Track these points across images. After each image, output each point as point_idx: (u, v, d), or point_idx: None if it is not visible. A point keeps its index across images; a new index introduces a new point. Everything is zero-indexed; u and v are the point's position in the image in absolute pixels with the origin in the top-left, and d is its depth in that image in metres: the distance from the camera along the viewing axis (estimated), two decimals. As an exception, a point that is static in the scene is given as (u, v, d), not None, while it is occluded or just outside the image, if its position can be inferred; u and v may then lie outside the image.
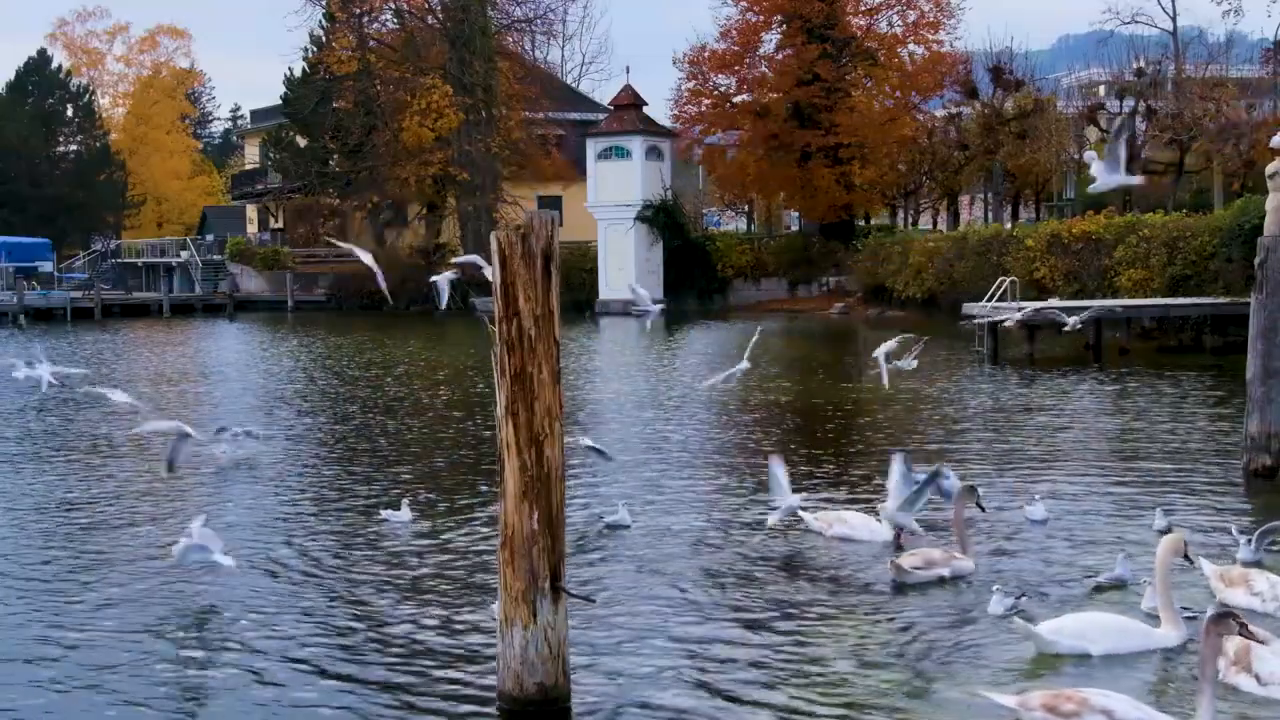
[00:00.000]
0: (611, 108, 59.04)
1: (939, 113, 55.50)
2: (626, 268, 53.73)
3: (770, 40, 55.36)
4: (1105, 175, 10.55)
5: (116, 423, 18.45)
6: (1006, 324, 23.42)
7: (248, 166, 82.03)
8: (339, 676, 7.56)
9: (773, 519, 10.92)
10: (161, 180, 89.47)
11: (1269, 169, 13.99)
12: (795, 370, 26.43)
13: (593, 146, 56.38)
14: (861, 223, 58.03)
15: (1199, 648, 6.35)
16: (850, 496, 12.55)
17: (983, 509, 10.22)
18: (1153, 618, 7.96)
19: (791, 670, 7.52)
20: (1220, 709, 6.20)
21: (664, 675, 7.45)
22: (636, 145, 55.04)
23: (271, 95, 75.35)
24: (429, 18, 62.77)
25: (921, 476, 10.15)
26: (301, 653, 7.97)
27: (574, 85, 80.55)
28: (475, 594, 9.16)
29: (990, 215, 53.34)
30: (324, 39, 63.45)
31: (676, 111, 57.40)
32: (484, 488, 13.07)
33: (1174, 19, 53.04)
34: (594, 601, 8.47)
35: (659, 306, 13.29)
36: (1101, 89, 54.04)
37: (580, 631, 7.85)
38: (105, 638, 8.31)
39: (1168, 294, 31.50)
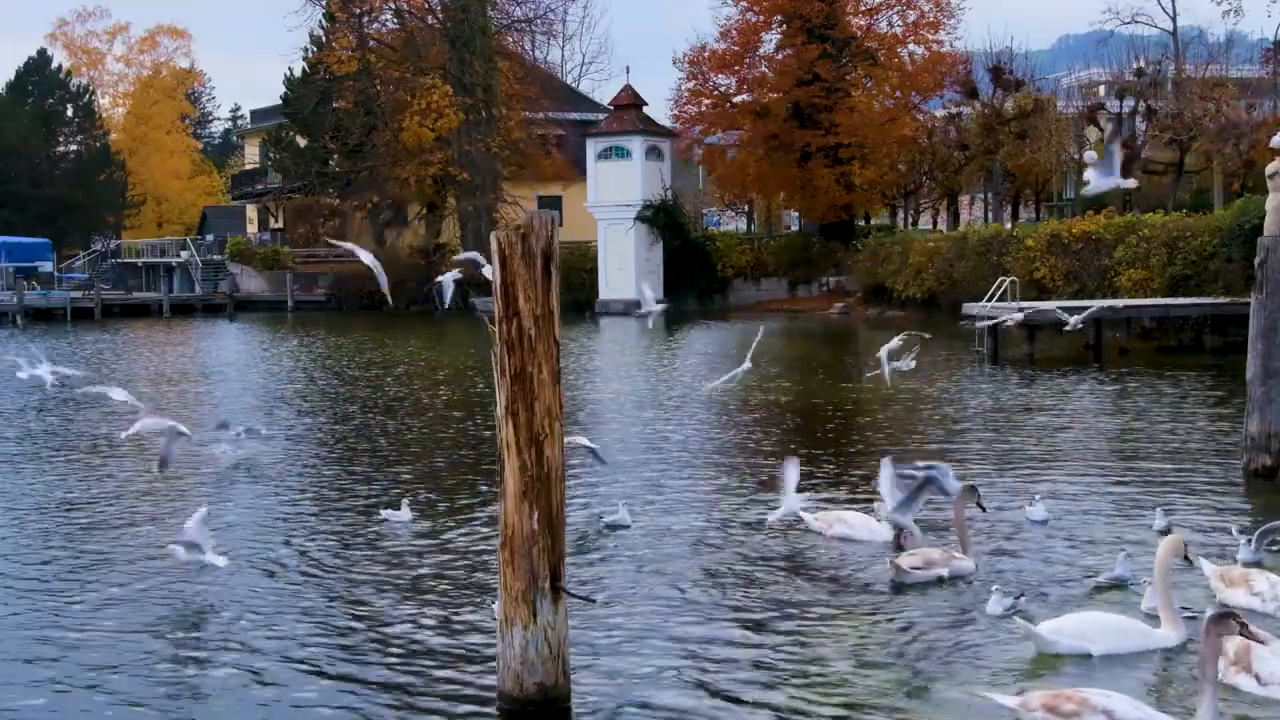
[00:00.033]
0: (611, 108, 59.03)
1: (939, 113, 55.48)
2: (626, 268, 53.75)
3: (770, 40, 55.42)
4: (1099, 179, 10.59)
5: (116, 423, 18.42)
6: (1009, 324, 23.44)
7: (248, 166, 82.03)
8: (339, 676, 7.56)
9: (772, 518, 10.93)
10: (161, 180, 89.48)
11: (1269, 169, 14.01)
12: (795, 370, 26.43)
13: (593, 146, 56.38)
14: (861, 223, 58.02)
15: (1199, 648, 6.35)
16: (850, 496, 12.55)
17: (983, 509, 10.22)
18: (1152, 618, 7.96)
19: (791, 670, 7.52)
20: (1220, 709, 6.19)
21: (664, 675, 7.45)
22: (636, 145, 55.03)
23: (271, 95, 75.50)
24: (429, 18, 62.77)
25: (918, 472, 10.12)
26: (301, 653, 7.97)
27: (574, 85, 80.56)
28: (475, 594, 9.16)
29: (990, 215, 53.34)
30: (324, 39, 63.45)
31: (676, 111, 57.44)
32: (484, 488, 13.07)
33: (1174, 19, 53.14)
34: (594, 601, 8.47)
35: (661, 306, 13.34)
36: (1101, 89, 54.02)
37: (580, 631, 7.85)
38: (105, 638, 8.31)
39: (1168, 294, 31.51)
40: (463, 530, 11.30)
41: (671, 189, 56.03)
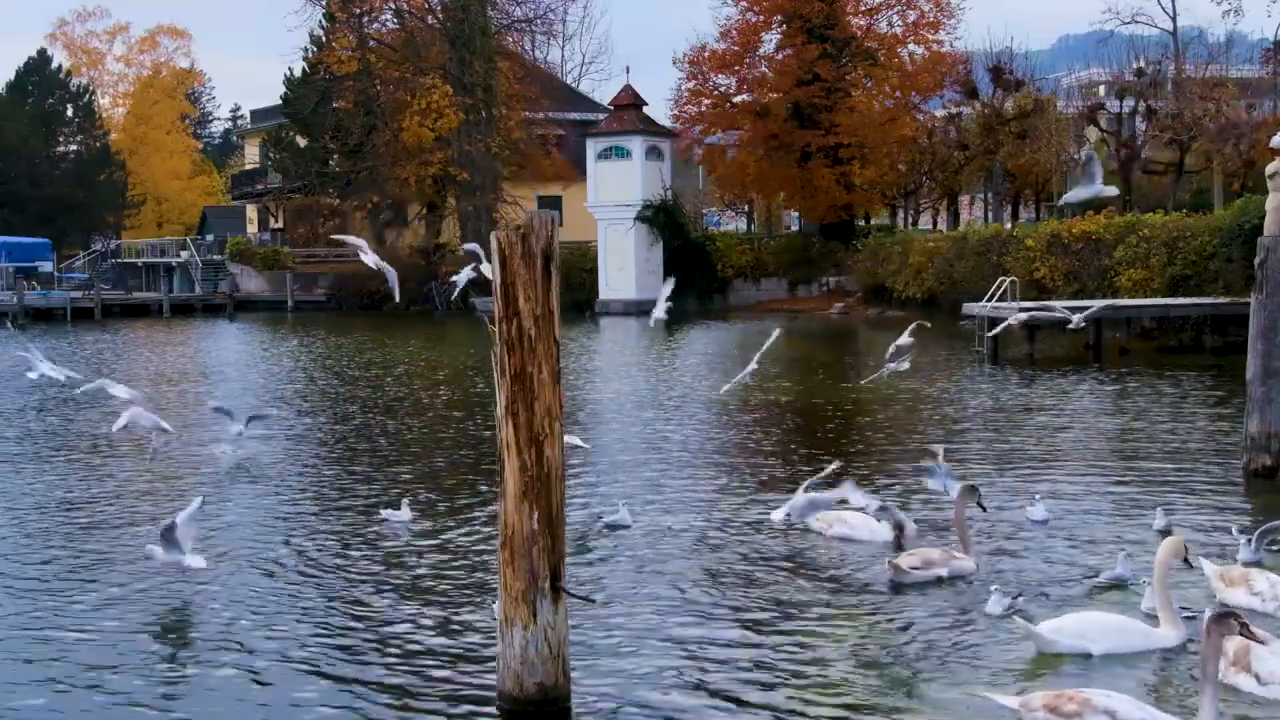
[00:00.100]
0: (611, 108, 59.01)
1: (939, 113, 55.48)
2: (626, 268, 53.75)
3: (770, 40, 55.40)
4: (1078, 191, 10.72)
5: (115, 421, 18.43)
6: (1010, 322, 23.41)
7: (248, 166, 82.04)
8: (338, 677, 7.56)
9: (776, 515, 10.99)
10: (161, 180, 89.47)
11: (1269, 169, 13.99)
12: (795, 370, 26.41)
13: (593, 146, 56.36)
14: (861, 223, 58.02)
15: (1199, 647, 6.35)
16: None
17: (984, 509, 10.22)
18: (1152, 618, 7.96)
19: (791, 670, 7.52)
20: (1220, 709, 6.19)
21: (664, 675, 7.45)
22: (636, 145, 55.01)
23: (271, 95, 75.50)
24: (429, 18, 62.76)
25: (878, 503, 10.38)
26: (301, 653, 7.97)
27: (574, 85, 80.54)
28: (475, 594, 9.16)
29: (990, 215, 53.34)
30: (324, 39, 63.44)
31: (676, 111, 57.42)
32: (484, 488, 13.07)
33: (1174, 19, 53.12)
34: (594, 601, 8.47)
35: (667, 305, 13.42)
36: (1101, 89, 54.01)
37: (580, 631, 7.85)
38: (105, 638, 8.30)
39: (1168, 294, 31.51)
40: (463, 530, 11.30)
41: (671, 189, 56.01)
